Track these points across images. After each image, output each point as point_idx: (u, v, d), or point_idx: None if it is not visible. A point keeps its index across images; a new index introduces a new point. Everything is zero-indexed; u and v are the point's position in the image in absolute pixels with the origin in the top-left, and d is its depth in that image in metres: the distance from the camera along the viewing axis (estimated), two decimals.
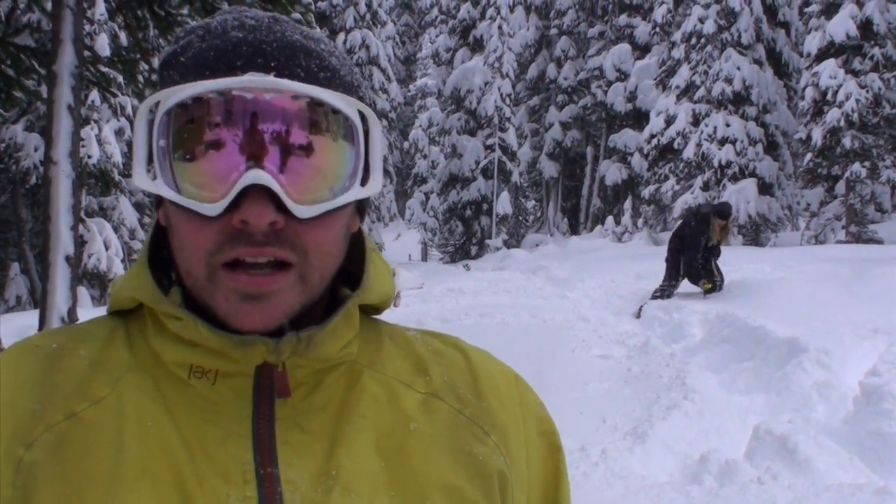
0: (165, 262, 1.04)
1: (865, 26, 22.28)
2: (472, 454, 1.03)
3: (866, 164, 22.31)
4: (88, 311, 11.09)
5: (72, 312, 7.02)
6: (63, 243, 6.96)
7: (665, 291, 13.34)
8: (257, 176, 0.88)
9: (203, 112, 0.90)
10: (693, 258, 13.14)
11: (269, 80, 0.90)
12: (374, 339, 1.10)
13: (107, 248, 17.68)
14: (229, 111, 0.90)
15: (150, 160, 0.95)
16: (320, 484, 0.94)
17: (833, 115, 22.25)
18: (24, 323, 10.26)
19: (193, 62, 0.96)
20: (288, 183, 0.90)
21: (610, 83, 36.39)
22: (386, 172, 34.52)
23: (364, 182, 0.99)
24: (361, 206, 1.07)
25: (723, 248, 13.83)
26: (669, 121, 28.35)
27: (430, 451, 1.01)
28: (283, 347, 0.94)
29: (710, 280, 13.05)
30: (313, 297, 0.97)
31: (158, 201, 1.01)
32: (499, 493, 1.03)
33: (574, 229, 40.54)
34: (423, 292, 16.31)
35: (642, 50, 35.97)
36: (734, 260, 17.03)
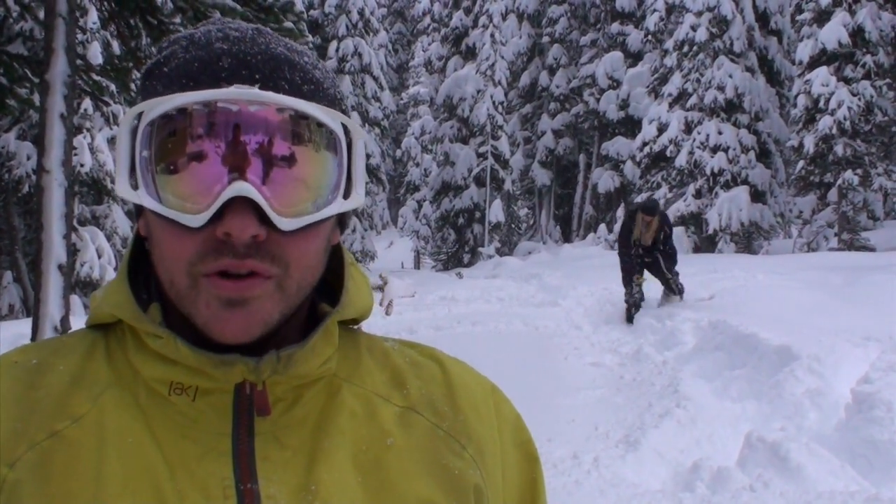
0: (146, 274, 1.04)
1: (857, 34, 22.35)
2: (448, 468, 1.03)
3: (858, 171, 22.36)
4: (81, 320, 11.00)
5: (65, 321, 7.01)
6: (56, 252, 6.95)
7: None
8: (242, 188, 0.89)
9: (186, 123, 0.90)
10: (620, 253, 13.17)
11: (254, 92, 0.90)
12: (353, 352, 1.10)
13: (99, 257, 17.65)
14: (213, 122, 0.90)
15: (132, 170, 0.94)
16: (300, 499, 0.94)
17: (825, 123, 22.30)
18: (17, 331, 10.22)
19: (177, 73, 0.95)
20: (271, 195, 0.91)
21: (602, 91, 36.41)
22: (378, 180, 34.53)
23: (347, 195, 0.99)
24: (342, 219, 1.07)
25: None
26: (662, 128, 28.39)
27: (407, 466, 1.01)
28: (263, 367, 0.95)
29: (641, 274, 12.98)
30: (291, 307, 0.97)
31: (139, 211, 1.01)
32: None
33: (567, 237, 40.59)
34: (416, 300, 16.33)
35: (635, 58, 36.03)
36: (727, 267, 17.08)
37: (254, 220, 0.90)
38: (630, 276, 12.94)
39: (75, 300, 15.32)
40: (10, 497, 0.89)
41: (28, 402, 0.95)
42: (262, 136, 0.90)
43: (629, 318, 12.88)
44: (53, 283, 6.95)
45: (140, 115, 0.93)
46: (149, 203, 0.92)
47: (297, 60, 0.98)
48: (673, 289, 13.22)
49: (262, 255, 0.92)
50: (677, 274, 13.23)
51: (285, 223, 0.91)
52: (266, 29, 1.01)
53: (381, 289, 16.25)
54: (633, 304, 13.00)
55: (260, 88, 0.92)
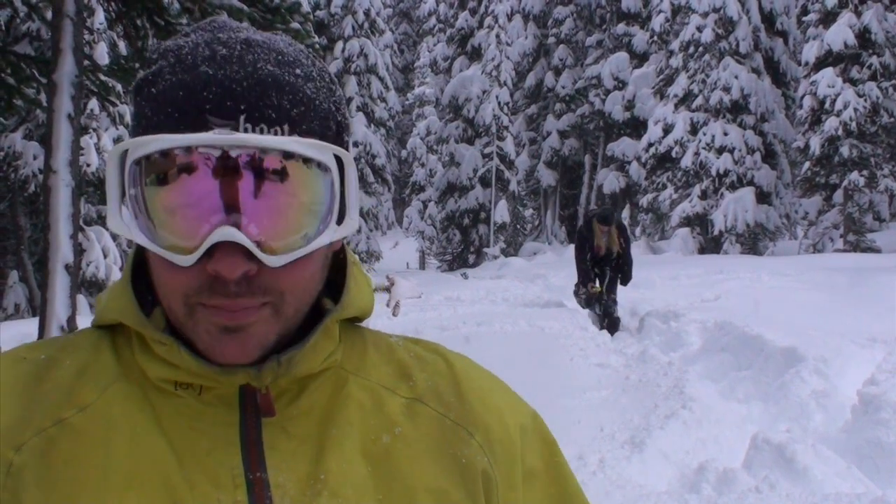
0: (150, 277, 1.03)
1: (863, 35, 22.35)
2: (456, 457, 1.05)
3: (864, 172, 22.36)
4: (88, 320, 10.99)
5: (71, 321, 7.02)
6: (62, 252, 6.96)
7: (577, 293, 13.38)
8: (226, 233, 0.88)
9: (169, 166, 0.90)
10: (576, 259, 13.23)
11: (235, 137, 0.88)
12: (359, 346, 1.12)
13: (105, 256, 17.67)
14: (196, 163, 0.89)
15: (123, 205, 0.95)
16: (308, 488, 0.96)
17: (831, 124, 22.30)
18: (23, 331, 10.24)
19: (163, 97, 0.94)
20: (259, 231, 0.90)
21: (608, 92, 36.41)
22: (384, 181, 34.54)
23: (340, 221, 0.98)
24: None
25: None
26: (667, 129, 28.38)
27: (416, 456, 1.03)
28: (265, 373, 0.96)
29: (596, 284, 12.96)
30: (288, 328, 0.98)
31: None
32: (483, 494, 1.05)
33: (572, 238, 40.46)
34: (421, 301, 16.32)
35: (640, 58, 36.01)
36: (732, 268, 17.05)
37: (242, 259, 0.90)
38: (585, 284, 13.00)
39: (81, 300, 15.35)
40: (15, 481, 0.91)
41: (35, 395, 0.97)
42: (247, 174, 0.89)
43: (585, 304, 13.08)
44: (60, 283, 6.96)
45: (126, 151, 0.93)
46: (140, 240, 0.93)
47: (287, 79, 0.95)
48: (611, 319, 12.83)
49: (255, 289, 0.92)
50: (615, 302, 12.98)
51: (274, 260, 0.91)
52: (256, 39, 0.98)
53: (387, 290, 16.24)
54: (588, 305, 13.13)
55: (245, 119, 0.91)
